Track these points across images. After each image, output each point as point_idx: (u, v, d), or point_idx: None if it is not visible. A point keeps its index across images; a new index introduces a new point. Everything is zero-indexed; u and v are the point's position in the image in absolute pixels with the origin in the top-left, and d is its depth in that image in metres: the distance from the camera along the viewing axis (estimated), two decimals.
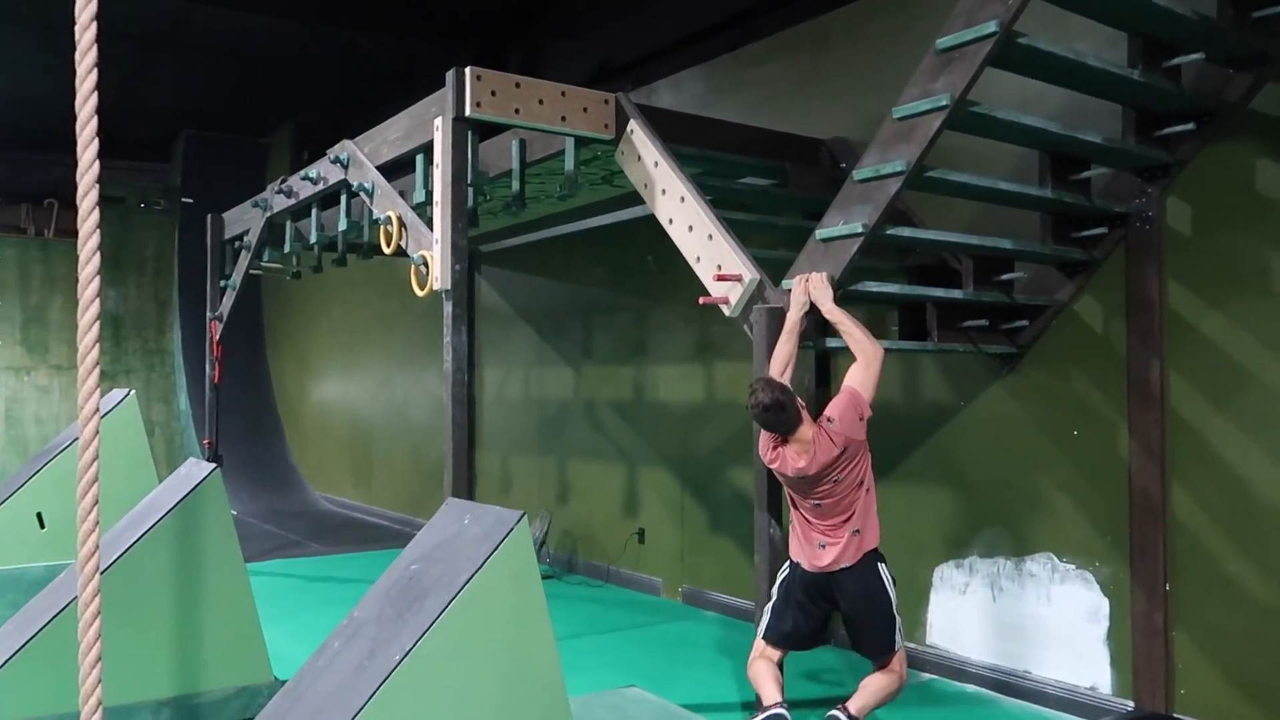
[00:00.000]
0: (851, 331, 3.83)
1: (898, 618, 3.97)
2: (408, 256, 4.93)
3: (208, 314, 7.81)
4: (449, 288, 4.54)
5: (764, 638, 4.06)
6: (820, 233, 3.87)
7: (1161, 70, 3.89)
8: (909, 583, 5.35)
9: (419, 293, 4.82)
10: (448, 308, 4.57)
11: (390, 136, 5.32)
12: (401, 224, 5.08)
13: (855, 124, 5.61)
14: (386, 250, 5.14)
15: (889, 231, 3.84)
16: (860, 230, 3.71)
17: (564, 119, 4.71)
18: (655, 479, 7.06)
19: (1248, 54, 3.92)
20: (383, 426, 10.71)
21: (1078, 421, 4.64)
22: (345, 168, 5.70)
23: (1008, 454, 4.93)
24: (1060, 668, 4.68)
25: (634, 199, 6.36)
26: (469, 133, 4.66)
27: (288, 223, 6.84)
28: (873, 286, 4.03)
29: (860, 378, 3.83)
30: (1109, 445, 4.51)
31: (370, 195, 5.40)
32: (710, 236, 4.30)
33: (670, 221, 4.54)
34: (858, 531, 3.85)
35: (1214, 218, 4.18)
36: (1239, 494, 4.11)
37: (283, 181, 6.58)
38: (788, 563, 4.04)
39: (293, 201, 6.49)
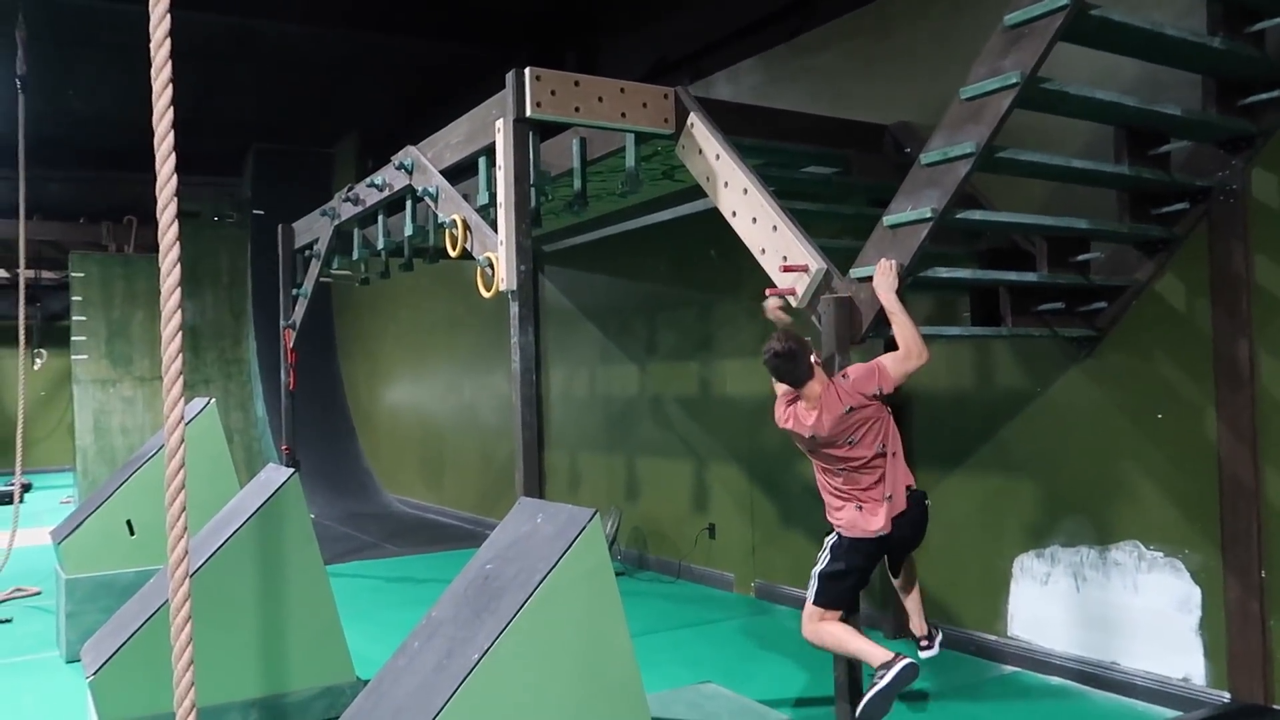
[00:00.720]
0: (904, 325, 3.78)
1: None
2: (473, 259, 4.97)
3: (281, 322, 7.98)
4: (515, 288, 4.56)
5: (824, 604, 4.01)
6: (888, 219, 3.80)
7: (1244, 36, 3.74)
8: (988, 573, 5.25)
9: (485, 294, 4.86)
10: (514, 308, 4.60)
11: (452, 140, 5.38)
12: (466, 227, 5.12)
13: (919, 108, 5.50)
14: (452, 253, 5.19)
15: (959, 216, 3.76)
16: (929, 215, 3.63)
17: (624, 115, 4.71)
18: (724, 474, 7.03)
19: None
20: (452, 428, 10.85)
21: (1162, 405, 4.49)
22: (409, 173, 5.77)
23: (1088, 440, 4.80)
24: (1150, 659, 4.54)
25: (695, 193, 6.35)
26: (530, 133, 4.68)
27: (355, 230, 6.96)
28: (943, 272, 3.95)
29: (893, 361, 3.82)
30: (1196, 429, 4.36)
31: (435, 199, 5.46)
32: (775, 228, 4.26)
33: (734, 214, 4.50)
34: (890, 497, 3.90)
35: None
36: None
37: (350, 190, 6.69)
38: (835, 532, 4.03)
39: (360, 209, 6.60)
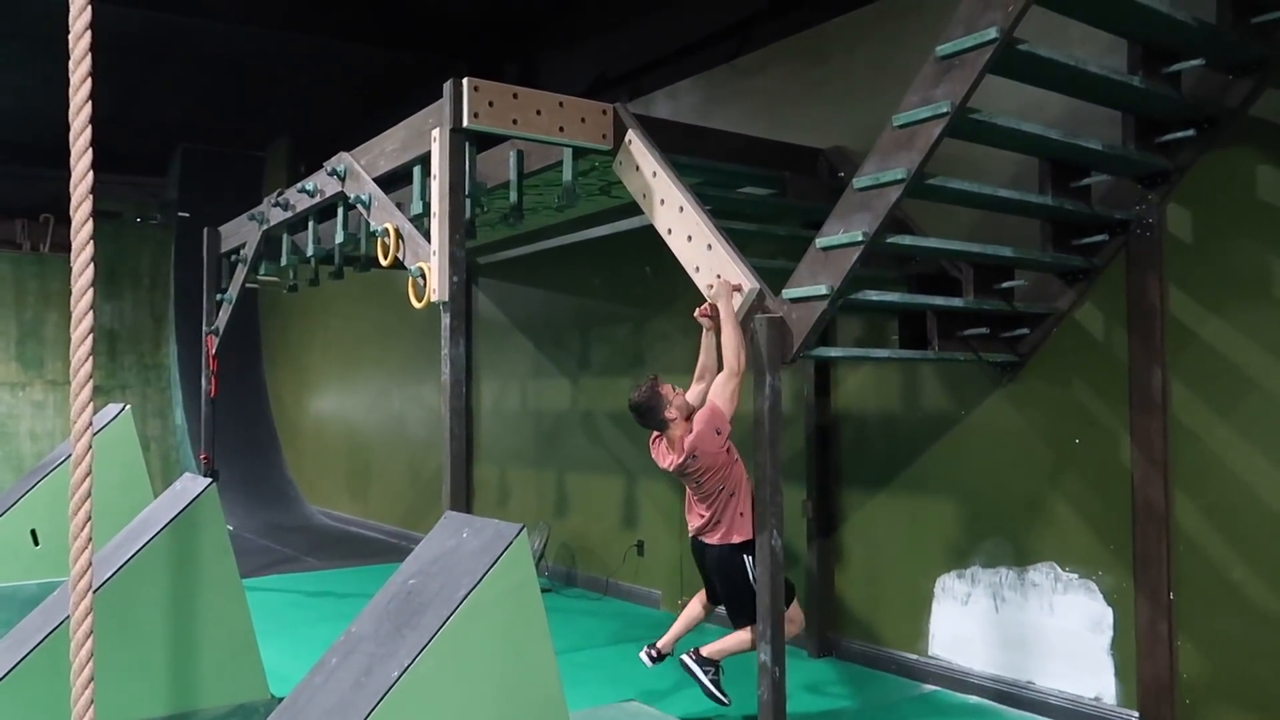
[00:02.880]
0: (731, 340, 4.02)
1: (755, 599, 4.12)
2: (405, 269, 4.90)
3: (204, 328, 7.77)
4: (447, 299, 4.52)
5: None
6: (820, 241, 3.85)
7: (1161, 77, 3.88)
8: (910, 593, 5.32)
9: (416, 305, 4.80)
10: (446, 319, 4.54)
11: (387, 148, 5.31)
12: (399, 236, 5.05)
13: (853, 133, 5.60)
14: (384, 262, 5.11)
15: (889, 240, 3.82)
16: (861, 238, 3.68)
17: (562, 129, 4.70)
18: (654, 490, 7.02)
19: (1248, 59, 3.92)
20: (380, 440, 10.67)
21: (1079, 430, 4.61)
22: (342, 180, 5.68)
23: (1009, 463, 4.90)
24: (1064, 678, 4.64)
25: (632, 209, 6.35)
26: (466, 144, 4.65)
27: (284, 236, 6.82)
28: (873, 295, 4.01)
29: (720, 390, 4.10)
30: (1111, 453, 4.48)
31: (367, 207, 5.38)
32: (709, 246, 4.28)
33: (669, 231, 4.52)
34: (718, 522, 4.39)
35: (1215, 224, 4.16)
36: (1243, 501, 4.08)
37: (279, 194, 6.56)
38: None
39: (289, 214, 6.47)
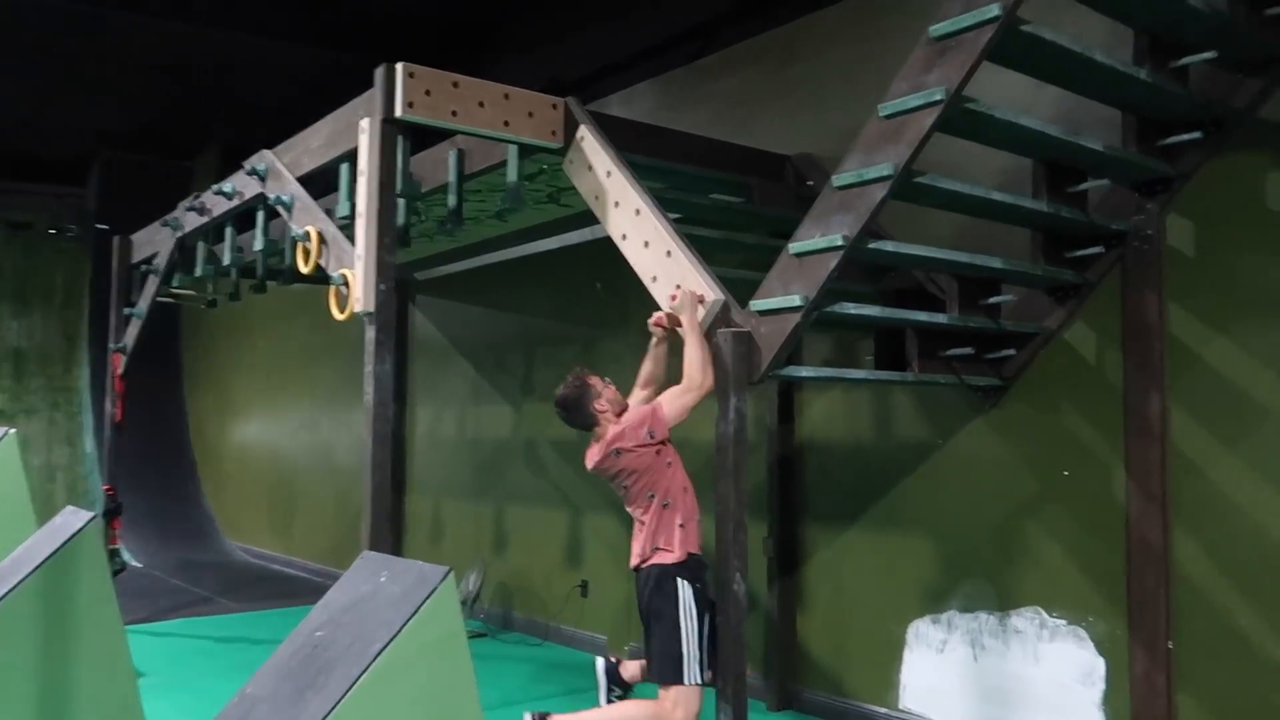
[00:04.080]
0: (696, 348, 3.55)
1: (690, 650, 3.55)
2: (328, 278, 4.37)
3: (109, 345, 7.11)
4: (372, 309, 4.00)
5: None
6: (795, 246, 3.42)
7: (1169, 71, 3.54)
8: (880, 639, 4.88)
9: (338, 316, 4.28)
10: (370, 332, 4.03)
11: (312, 144, 4.79)
12: (321, 240, 4.53)
13: (822, 139, 5.22)
14: (304, 269, 4.58)
15: (872, 245, 3.41)
16: (840, 243, 3.26)
17: (507, 124, 4.23)
18: (600, 526, 6.51)
19: (1259, 56, 3.61)
20: (306, 470, 9.99)
21: (1068, 461, 4.23)
22: (263, 180, 5.14)
23: (990, 497, 4.50)
24: None
25: (582, 220, 5.91)
26: (399, 137, 4.15)
27: (200, 244, 6.22)
28: (851, 309, 3.59)
29: (672, 398, 3.62)
30: (1103, 487, 4.10)
31: (289, 209, 4.85)
32: (669, 253, 3.83)
33: (624, 237, 4.06)
34: (655, 549, 3.68)
35: (1219, 236, 3.83)
36: (1249, 540, 3.71)
37: (195, 198, 5.98)
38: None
39: (206, 220, 5.89)
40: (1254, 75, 3.64)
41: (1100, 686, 4.08)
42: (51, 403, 12.07)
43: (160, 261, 6.52)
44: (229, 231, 5.78)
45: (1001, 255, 3.94)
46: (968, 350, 4.06)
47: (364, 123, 4.09)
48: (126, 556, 10.61)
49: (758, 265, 3.98)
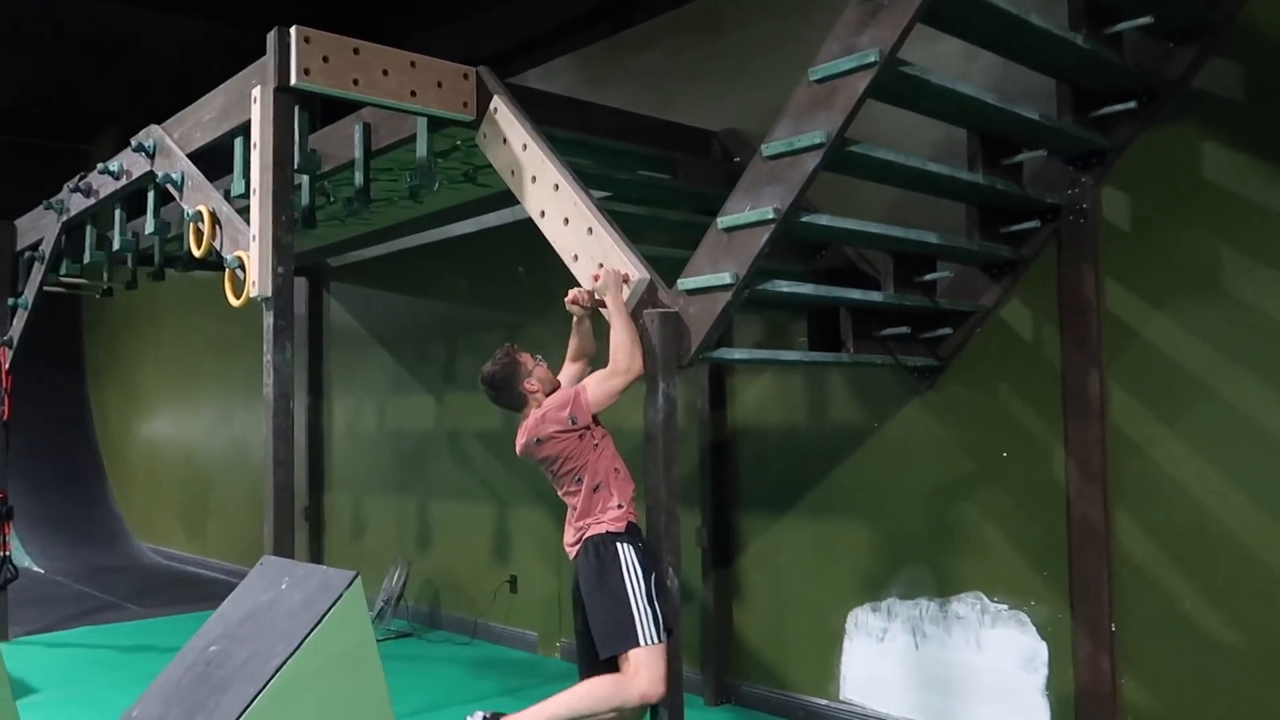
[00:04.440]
0: (622, 330, 3.30)
1: (642, 610, 3.21)
2: (221, 261, 4.03)
3: None
4: (269, 294, 3.68)
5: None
6: (723, 220, 3.21)
7: (1104, 38, 3.41)
8: (819, 629, 4.73)
9: (234, 302, 3.95)
10: (268, 319, 3.71)
11: (204, 117, 4.43)
12: (215, 221, 4.18)
13: (748, 115, 5.02)
14: (197, 253, 4.22)
15: (805, 219, 3.21)
16: (771, 216, 3.06)
17: (414, 95, 3.95)
18: (528, 518, 6.26)
19: (1193, 24, 3.50)
20: (220, 467, 9.53)
21: (1007, 442, 4.11)
22: (151, 157, 4.75)
23: (929, 480, 4.37)
24: None
25: (502, 201, 5.62)
26: (296, 107, 3.84)
27: (88, 228, 5.78)
28: (784, 286, 3.39)
29: (597, 382, 3.36)
30: (1043, 468, 3.99)
31: (179, 188, 4.49)
32: (590, 230, 3.59)
33: (542, 214, 3.81)
34: (580, 528, 3.42)
35: (1156, 209, 3.72)
36: (1192, 520, 3.63)
37: (80, 178, 5.54)
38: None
39: (93, 202, 5.46)
40: (1187, 44, 3.53)
41: (1043, 672, 3.98)
42: None
43: (45, 248, 6.05)
44: (118, 214, 5.36)
45: (935, 232, 3.79)
46: (903, 330, 3.90)
47: (256, 91, 3.77)
48: (28, 562, 10.04)
49: (685, 244, 3.77)
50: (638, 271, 3.42)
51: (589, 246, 3.59)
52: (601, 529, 3.35)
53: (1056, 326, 3.95)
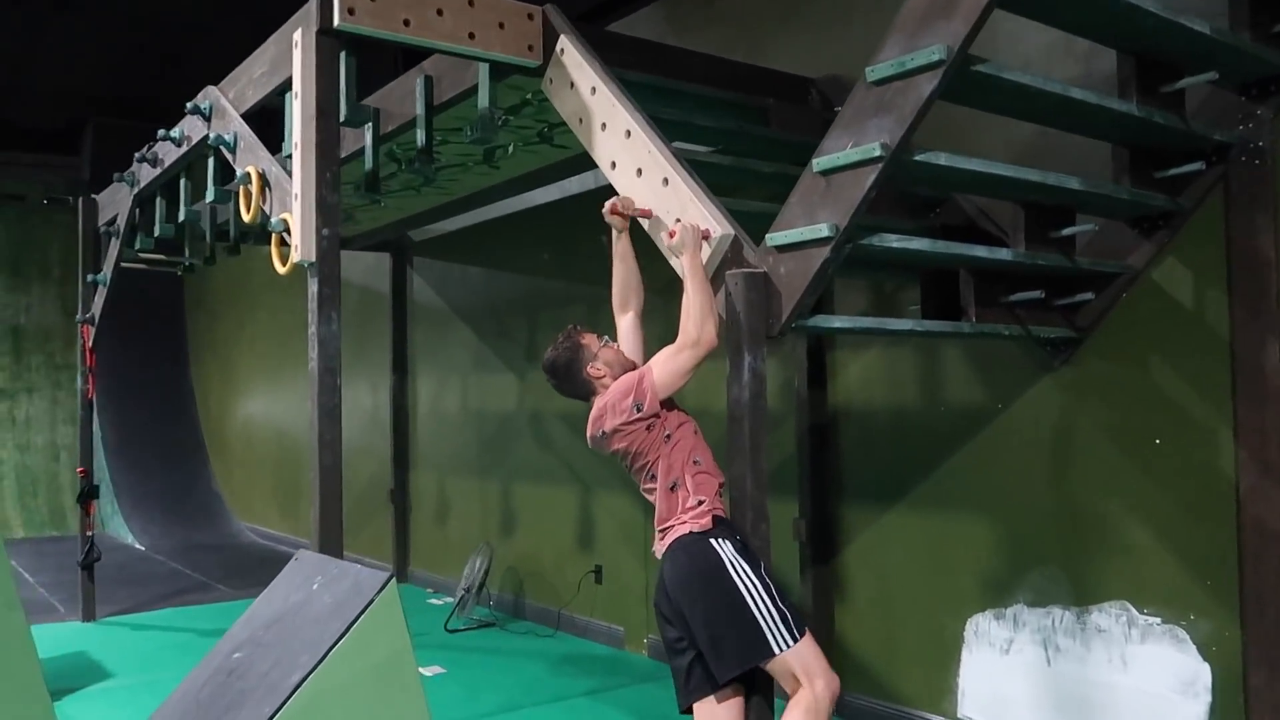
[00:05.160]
0: (696, 300, 2.85)
1: (767, 611, 2.70)
2: (270, 225, 3.71)
3: (78, 316, 6.54)
4: (313, 259, 3.34)
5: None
6: (820, 162, 2.70)
7: None
8: (933, 637, 4.18)
9: (280, 269, 3.63)
10: (312, 286, 3.37)
11: (256, 73, 4.13)
12: (264, 181, 3.87)
13: (850, 61, 4.45)
14: (246, 217, 3.92)
15: (919, 158, 2.67)
16: (879, 154, 2.54)
17: (473, 36, 3.53)
18: (614, 505, 5.85)
19: None
20: (309, 446, 9.42)
21: (1161, 427, 3.48)
22: (208, 119, 4.49)
23: (1064, 471, 3.77)
24: None
25: (582, 163, 5.15)
26: (342, 52, 3.48)
27: (158, 200, 5.60)
28: (893, 241, 2.85)
29: (665, 359, 2.92)
30: (1207, 458, 3.36)
31: (232, 150, 4.20)
32: (665, 181, 3.12)
33: (613, 165, 3.36)
34: (663, 532, 2.94)
35: None
36: None
37: (149, 148, 5.35)
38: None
39: (159, 172, 5.26)
40: None
41: (1205, 699, 3.36)
42: (54, 381, 11.65)
43: (120, 222, 5.92)
44: (184, 184, 5.14)
45: (1077, 177, 3.19)
46: (1036, 294, 3.31)
47: (297, 35, 3.41)
48: (130, 539, 10.19)
49: (778, 199, 3.26)
50: (720, 226, 2.94)
51: (665, 199, 3.13)
52: (685, 529, 2.87)
53: (1224, 289, 3.30)
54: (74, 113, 11.16)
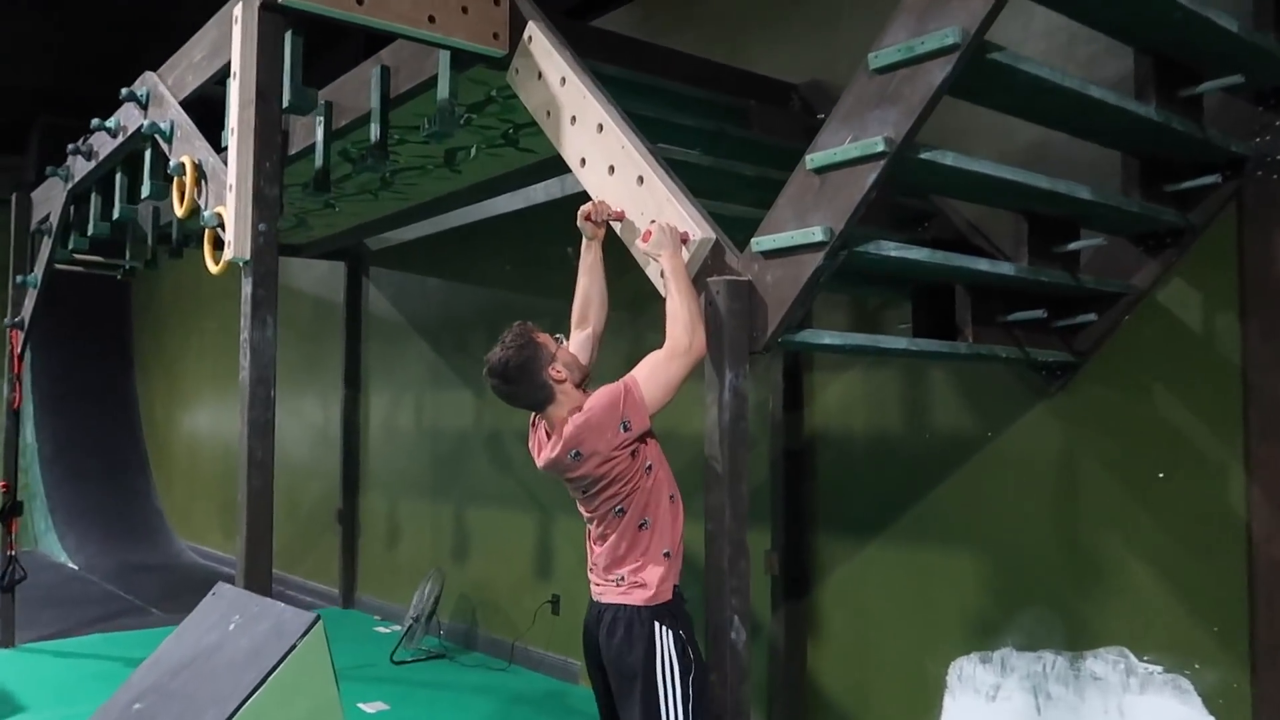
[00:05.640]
0: (681, 304, 2.55)
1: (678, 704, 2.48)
2: (202, 219, 3.37)
3: (5, 320, 6.12)
4: (247, 257, 3.01)
5: None
6: (814, 158, 2.43)
7: None
8: (914, 680, 3.90)
9: (213, 268, 3.29)
10: (246, 287, 3.03)
11: (195, 57, 3.80)
12: (200, 173, 3.53)
13: (835, 66, 4.23)
14: (179, 212, 3.58)
15: (923, 156, 2.41)
16: (882, 148, 2.27)
17: (433, 20, 3.24)
18: (574, 532, 5.49)
19: None
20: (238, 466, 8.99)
21: (1164, 460, 3.25)
22: (144, 107, 4.15)
23: (1058, 506, 3.52)
24: None
25: (549, 169, 4.91)
26: (288, 30, 3.17)
27: (93, 196, 5.22)
28: (891, 250, 2.59)
29: (652, 369, 2.57)
30: (1215, 493, 3.12)
31: (169, 140, 3.86)
32: (640, 179, 2.84)
33: (583, 163, 3.07)
34: (620, 580, 2.62)
35: None
36: None
37: (84, 140, 4.98)
38: None
39: (94, 165, 4.89)
40: None
41: None
42: None
43: (53, 220, 5.52)
44: (119, 179, 4.78)
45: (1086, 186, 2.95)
46: (1038, 313, 3.07)
47: (237, 10, 3.09)
48: (63, 558, 9.68)
49: (761, 205, 2.99)
50: (700, 230, 2.66)
51: (640, 200, 2.84)
52: (637, 599, 2.56)
53: (1236, 313, 3.08)
54: (19, 111, 10.68)
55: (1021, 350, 3.20)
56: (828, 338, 2.65)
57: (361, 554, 7.33)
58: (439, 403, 6.70)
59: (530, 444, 2.79)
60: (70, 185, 5.23)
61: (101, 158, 4.76)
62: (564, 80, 3.14)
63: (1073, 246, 3.06)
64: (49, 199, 5.80)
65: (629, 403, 2.51)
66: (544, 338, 2.71)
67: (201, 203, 3.51)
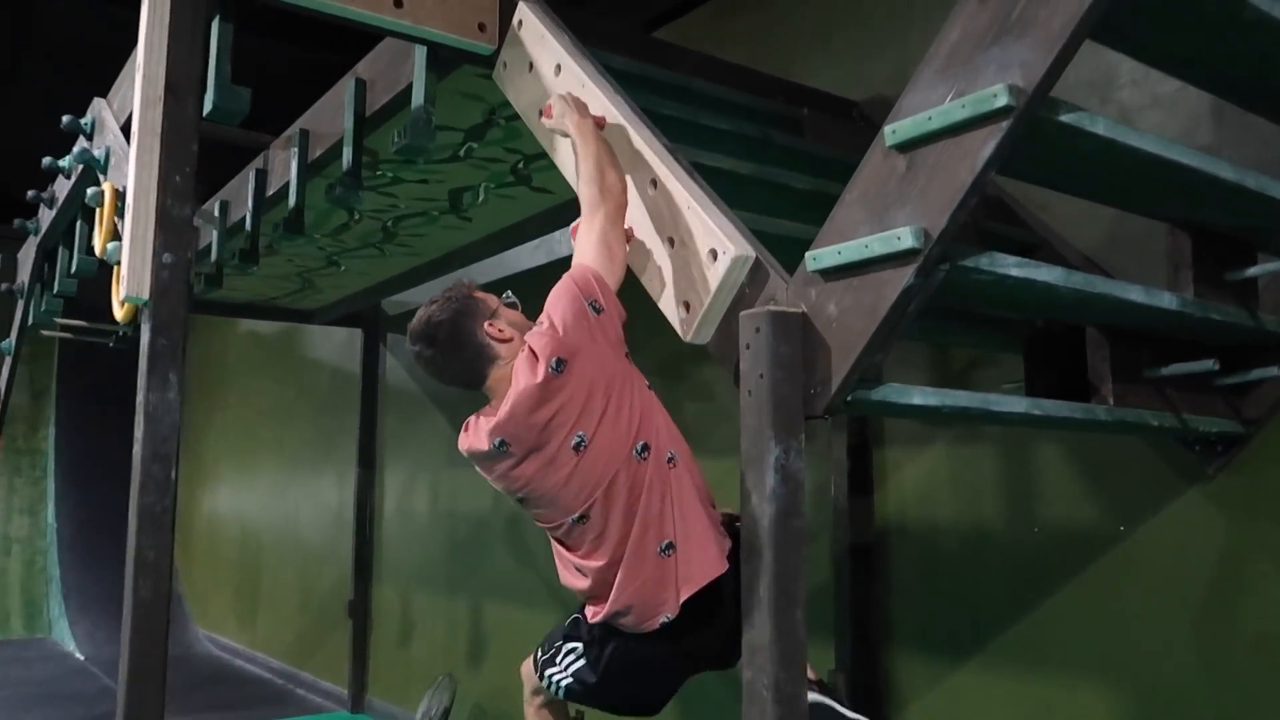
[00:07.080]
0: (589, 149, 2.10)
1: None
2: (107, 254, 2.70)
3: None
4: (146, 297, 2.31)
5: None
6: (897, 129, 1.69)
7: None
8: None
9: (118, 314, 2.61)
10: (145, 334, 2.34)
11: (135, 73, 3.19)
12: (118, 200, 2.89)
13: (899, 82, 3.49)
14: (97, 248, 2.93)
15: (1064, 118, 1.62)
16: (1006, 103, 1.50)
17: (399, 4, 2.58)
18: None
19: None
20: (271, 547, 8.33)
21: None
22: (90, 137, 3.56)
23: (1219, 620, 2.62)
24: None
25: (573, 212, 4.20)
26: (218, 17, 2.53)
27: (60, 249, 4.64)
28: (1014, 269, 1.78)
29: (587, 237, 2.06)
30: None
31: (104, 169, 3.24)
32: (654, 183, 2.10)
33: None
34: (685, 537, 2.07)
35: None
36: None
37: (48, 188, 4.43)
38: None
39: (55, 213, 4.33)
40: None
41: None
42: (13, 467, 10.63)
43: (23, 277, 4.97)
44: (79, 226, 4.19)
45: None
46: (1208, 364, 2.22)
47: None
48: (71, 647, 9.07)
49: (813, 219, 2.22)
50: (733, 245, 1.90)
51: (657, 207, 2.10)
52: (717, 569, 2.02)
53: None
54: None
55: (1178, 417, 2.35)
56: (918, 396, 1.84)
57: (373, 652, 6.54)
58: (455, 482, 5.96)
59: (462, 444, 2.32)
60: (38, 236, 4.67)
61: (60, 203, 4.19)
62: (559, 68, 2.44)
63: (1251, 272, 2.23)
64: (29, 256, 5.27)
65: (591, 284, 2.00)
66: (486, 295, 2.19)
67: (121, 233, 2.86)
